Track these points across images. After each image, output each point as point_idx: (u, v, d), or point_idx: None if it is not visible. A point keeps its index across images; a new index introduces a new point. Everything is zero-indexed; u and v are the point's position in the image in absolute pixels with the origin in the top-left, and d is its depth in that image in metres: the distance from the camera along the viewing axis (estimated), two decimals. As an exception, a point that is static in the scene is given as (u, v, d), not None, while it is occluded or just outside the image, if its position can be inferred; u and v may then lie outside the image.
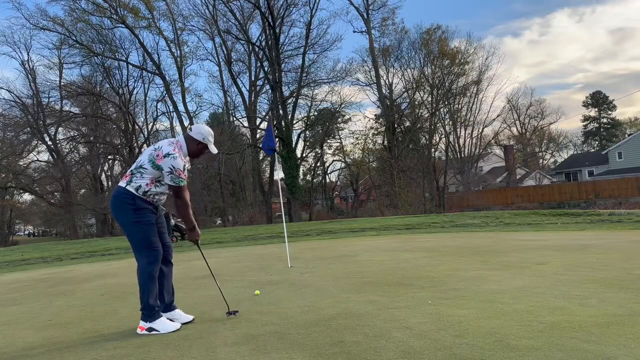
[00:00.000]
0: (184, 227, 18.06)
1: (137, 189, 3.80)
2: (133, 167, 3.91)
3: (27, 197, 46.44)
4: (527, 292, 4.24)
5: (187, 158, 3.99)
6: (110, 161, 43.36)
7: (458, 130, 43.46)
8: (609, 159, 47.10)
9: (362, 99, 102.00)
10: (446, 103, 40.49)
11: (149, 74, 39.38)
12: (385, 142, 40.07)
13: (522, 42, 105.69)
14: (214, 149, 4.07)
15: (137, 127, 39.78)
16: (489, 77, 43.22)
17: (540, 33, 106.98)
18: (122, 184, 3.86)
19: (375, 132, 44.40)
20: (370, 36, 38.95)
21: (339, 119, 43.30)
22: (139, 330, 3.77)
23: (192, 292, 5.54)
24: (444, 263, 6.44)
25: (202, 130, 3.97)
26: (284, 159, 33.00)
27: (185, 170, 3.90)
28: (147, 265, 3.82)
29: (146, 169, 3.81)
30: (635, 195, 33.66)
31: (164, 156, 3.76)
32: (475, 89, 41.62)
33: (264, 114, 39.05)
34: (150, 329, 3.75)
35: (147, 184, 3.81)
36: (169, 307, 4.06)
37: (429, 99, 39.73)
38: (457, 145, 43.96)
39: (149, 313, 3.78)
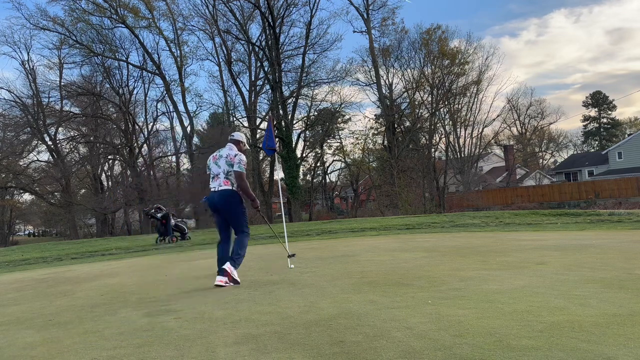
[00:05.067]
0: (183, 227, 18.14)
1: (237, 189, 5.64)
2: (223, 175, 5.62)
3: (27, 197, 46.43)
4: (527, 292, 4.24)
5: (242, 154, 5.82)
6: (110, 161, 43.35)
7: (458, 130, 43.50)
8: (609, 159, 47.10)
9: (362, 99, 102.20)
10: (446, 103, 40.50)
11: (149, 74, 39.43)
12: (385, 142, 40.07)
13: (519, 42, 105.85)
14: (247, 146, 6.06)
15: (137, 127, 39.77)
16: (488, 77, 43.33)
17: (537, 33, 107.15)
18: (227, 187, 5.60)
19: (375, 132, 44.43)
20: (370, 36, 38.99)
21: (339, 119, 43.31)
22: (219, 283, 5.44)
23: (193, 291, 5.54)
24: (444, 263, 6.44)
25: (241, 135, 6.04)
26: (284, 159, 33.00)
27: (243, 161, 5.72)
28: (248, 234, 5.77)
29: (231, 172, 5.61)
30: (635, 195, 33.67)
31: (234, 156, 5.63)
32: (475, 89, 41.71)
33: (264, 114, 39.06)
34: (233, 279, 5.51)
35: (237, 185, 5.63)
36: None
37: (429, 99, 39.75)
38: (457, 145, 44.00)
39: (238, 264, 5.63)
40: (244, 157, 5.72)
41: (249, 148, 5.93)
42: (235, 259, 5.56)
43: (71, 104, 39.23)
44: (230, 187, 5.57)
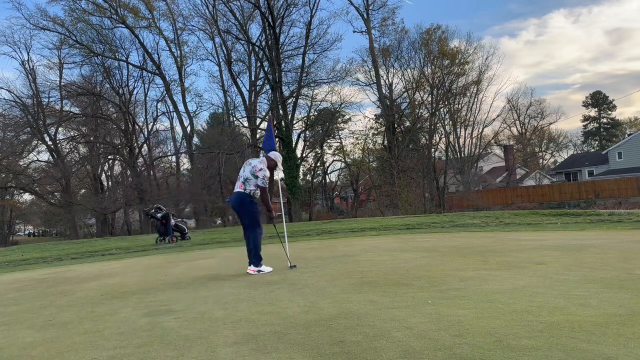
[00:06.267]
0: (183, 227, 18.13)
1: (250, 192, 6.38)
2: (241, 179, 6.39)
3: (27, 197, 46.45)
4: (527, 292, 4.24)
5: (267, 170, 6.51)
6: (110, 161, 43.35)
7: (458, 130, 43.48)
8: (609, 159, 47.09)
9: (362, 99, 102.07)
10: (446, 103, 40.47)
11: (149, 74, 39.42)
12: (385, 142, 40.04)
13: (519, 42, 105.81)
14: (280, 168, 6.74)
15: (137, 127, 39.77)
16: (488, 77, 43.27)
17: (537, 33, 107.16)
18: (241, 190, 6.38)
19: (375, 132, 44.39)
20: (370, 36, 38.95)
21: (339, 119, 43.24)
22: (250, 272, 6.31)
23: (193, 291, 5.54)
24: (444, 263, 6.44)
25: (276, 155, 6.76)
26: (283, 159, 32.92)
27: (266, 177, 6.44)
28: (259, 233, 6.42)
29: (250, 179, 6.37)
30: (635, 195, 33.67)
31: (259, 170, 6.33)
32: (475, 89, 41.66)
33: (264, 114, 39.02)
34: (259, 271, 6.31)
35: (252, 190, 6.38)
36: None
37: (429, 99, 39.71)
38: (457, 145, 43.98)
39: (259, 261, 6.38)
40: (267, 173, 6.48)
41: (282, 169, 6.61)
42: (254, 261, 6.39)
43: (71, 104, 39.27)
44: (243, 191, 6.36)
